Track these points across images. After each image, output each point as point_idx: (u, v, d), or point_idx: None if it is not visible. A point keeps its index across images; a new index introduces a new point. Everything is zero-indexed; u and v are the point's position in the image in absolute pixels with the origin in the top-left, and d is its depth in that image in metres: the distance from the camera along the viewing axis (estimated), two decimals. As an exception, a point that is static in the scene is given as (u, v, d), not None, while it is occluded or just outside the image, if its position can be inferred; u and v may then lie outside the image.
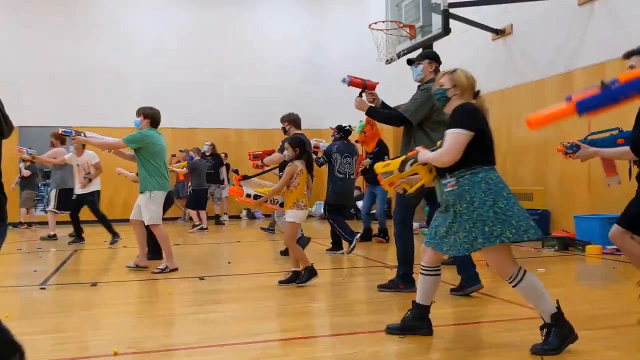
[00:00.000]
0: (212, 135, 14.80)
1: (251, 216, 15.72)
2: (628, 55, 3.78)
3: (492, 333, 3.73)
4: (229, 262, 7.34)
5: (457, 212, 3.32)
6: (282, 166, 6.88)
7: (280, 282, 5.49)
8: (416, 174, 3.57)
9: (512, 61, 9.95)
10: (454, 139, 3.29)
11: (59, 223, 10.78)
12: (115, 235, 9.58)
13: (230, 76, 15.83)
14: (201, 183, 11.99)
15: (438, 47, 10.07)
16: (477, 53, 10.53)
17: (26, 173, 13.11)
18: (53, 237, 10.36)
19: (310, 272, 5.48)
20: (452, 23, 8.72)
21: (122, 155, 7.02)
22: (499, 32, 10.04)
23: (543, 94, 9.12)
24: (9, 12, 14.52)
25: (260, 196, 5.81)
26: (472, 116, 3.35)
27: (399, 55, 9.48)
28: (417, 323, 3.61)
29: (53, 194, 10.31)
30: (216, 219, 13.84)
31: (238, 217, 15.66)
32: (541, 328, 3.26)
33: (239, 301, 4.95)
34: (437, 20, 8.83)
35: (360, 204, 14.48)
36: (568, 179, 8.82)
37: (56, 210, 10.37)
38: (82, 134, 6.33)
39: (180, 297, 5.26)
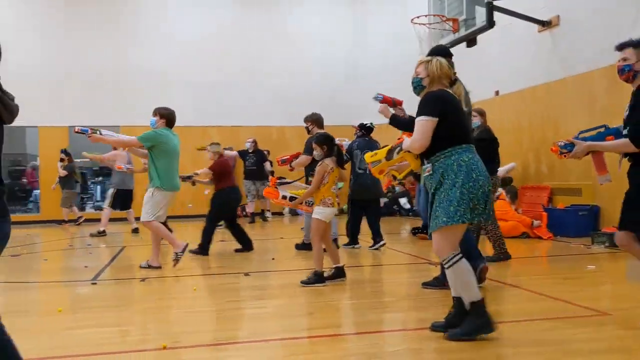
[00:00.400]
0: (255, 133, 14.93)
1: (294, 212, 15.81)
2: (621, 47, 3.78)
3: (538, 331, 3.66)
4: (273, 258, 7.40)
5: (435, 195, 3.48)
6: (311, 166, 6.93)
7: (303, 283, 5.39)
8: (405, 161, 3.74)
9: (559, 53, 9.70)
10: (420, 126, 3.46)
11: (110, 220, 11.10)
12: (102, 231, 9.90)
13: (271, 74, 15.92)
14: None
15: (482, 39, 9.94)
16: (522, 45, 10.30)
17: (63, 173, 13.52)
18: (102, 234, 10.69)
19: (318, 277, 5.37)
20: (496, 15, 8.57)
21: (136, 153, 7.18)
22: (545, 24, 9.80)
23: (591, 87, 8.86)
24: (55, 16, 14.92)
25: (295, 197, 5.83)
26: (435, 102, 3.49)
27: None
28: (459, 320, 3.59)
29: (110, 192, 10.85)
30: (261, 215, 14.00)
31: (281, 214, 15.78)
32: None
33: (284, 297, 4.99)
34: (480, 13, 8.69)
35: (403, 201, 14.46)
36: (618, 173, 8.53)
37: (111, 209, 10.83)
38: (97, 132, 6.46)
39: (227, 293, 5.34)
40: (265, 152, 14.18)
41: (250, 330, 3.94)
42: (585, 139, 4.17)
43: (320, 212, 5.40)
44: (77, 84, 14.70)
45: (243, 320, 4.25)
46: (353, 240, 8.15)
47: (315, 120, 7.73)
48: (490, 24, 8.47)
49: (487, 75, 11.00)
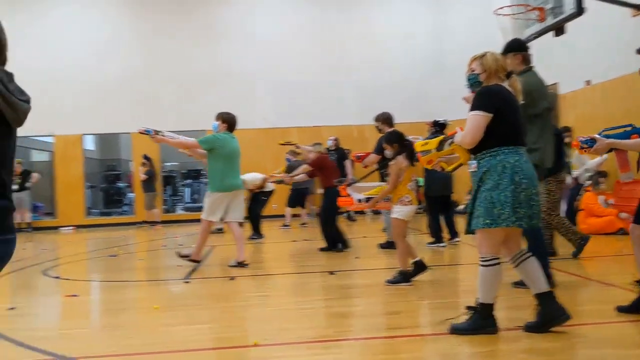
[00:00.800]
0: (335, 132, 14.98)
1: (376, 211, 15.74)
2: None
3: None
4: (357, 257, 7.42)
5: (477, 193, 3.45)
6: (383, 165, 6.88)
7: (389, 282, 5.35)
8: (455, 153, 3.74)
9: (656, 38, 9.10)
10: (473, 120, 3.40)
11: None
12: (258, 234, 10.03)
13: (352, 73, 15.91)
14: (299, 183, 12.32)
15: (571, 27, 9.48)
16: (614, 32, 9.75)
17: (143, 177, 14.34)
18: (220, 231, 11.20)
19: (404, 276, 5.28)
20: (586, 0, 8.14)
21: (196, 155, 7.43)
22: None
23: (694, 72, 8.25)
24: (144, 21, 15.61)
25: (371, 198, 5.78)
26: (491, 97, 3.43)
27: (527, 40, 9.03)
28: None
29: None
30: (347, 215, 14.06)
31: (362, 212, 15.77)
32: (468, 307, 3.57)
33: (368, 296, 5.00)
34: (569, 0, 8.29)
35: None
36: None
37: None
38: (160, 133, 6.77)
39: (314, 291, 5.41)
40: (346, 151, 14.22)
41: (337, 328, 3.97)
42: (609, 137, 4.11)
43: (399, 211, 5.35)
44: (166, 90, 15.29)
45: (330, 318, 4.29)
46: (438, 238, 8.01)
47: (384, 119, 7.71)
48: (580, 11, 8.05)
49: (576, 64, 10.51)
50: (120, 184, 18.79)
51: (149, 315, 4.62)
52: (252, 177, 9.92)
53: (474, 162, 3.51)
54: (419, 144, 4.05)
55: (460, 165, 3.82)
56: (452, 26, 15.84)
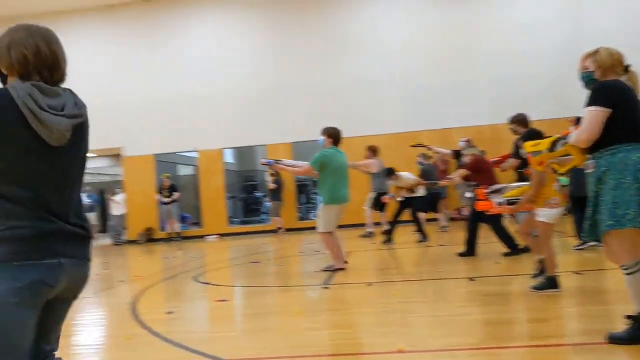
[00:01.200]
0: (466, 133, 14.58)
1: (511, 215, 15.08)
2: None
3: None
4: (497, 262, 7.15)
5: (597, 195, 3.24)
6: (521, 165, 6.54)
7: (534, 288, 5.07)
8: (569, 154, 3.55)
9: None
10: (590, 117, 3.24)
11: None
12: (424, 236, 9.99)
13: (481, 70, 15.39)
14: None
15: None
16: None
17: (272, 186, 15.03)
18: (371, 234, 11.65)
19: (551, 282, 4.93)
20: None
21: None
22: None
23: None
24: (276, 37, 16.25)
25: (514, 201, 5.45)
26: (608, 92, 3.23)
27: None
28: None
29: (371, 196, 11.77)
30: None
31: (500, 216, 15.17)
32: (627, 316, 3.29)
33: (513, 303, 4.80)
34: None
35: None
36: None
37: (371, 209, 11.82)
38: (280, 163, 7.49)
39: (455, 297, 5.30)
40: (481, 153, 13.78)
41: (482, 336, 3.85)
42: None
43: (545, 214, 5.07)
44: (298, 101, 15.77)
45: (474, 326, 4.17)
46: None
47: (519, 120, 7.33)
48: None
49: None
50: (258, 194, 19.73)
51: (292, 319, 4.78)
52: (407, 176, 10.33)
53: (592, 161, 3.32)
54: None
55: (574, 167, 3.60)
56: (589, 14, 14.82)
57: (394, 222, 10.33)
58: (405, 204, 10.41)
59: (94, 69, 15.73)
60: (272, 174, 14.93)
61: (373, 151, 11.59)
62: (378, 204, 11.64)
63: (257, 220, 18.47)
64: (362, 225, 12.37)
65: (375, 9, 15.97)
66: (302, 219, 16.79)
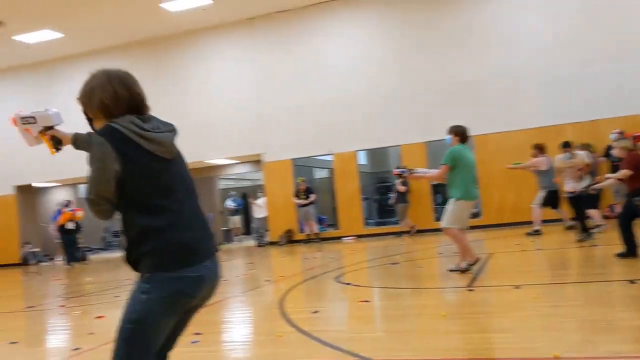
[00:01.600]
0: (618, 124, 13.45)
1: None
2: None
3: None
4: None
5: None
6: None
7: None
8: None
9: None
10: None
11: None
12: (587, 233, 9.37)
13: (633, 54, 14.14)
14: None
15: None
16: None
17: (402, 189, 14.99)
18: (537, 232, 11.39)
19: None
20: None
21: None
22: None
23: None
24: (401, 38, 16.11)
25: None
26: None
27: None
28: None
29: (542, 194, 11.52)
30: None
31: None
32: None
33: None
34: None
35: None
36: None
37: (540, 207, 11.51)
38: (414, 171, 7.66)
39: (613, 301, 4.93)
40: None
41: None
42: None
43: None
44: (432, 99, 15.50)
45: (637, 332, 3.84)
46: None
47: None
48: None
49: None
50: (391, 195, 19.74)
51: (438, 321, 4.71)
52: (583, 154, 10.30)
53: None
54: None
55: None
56: None
57: (581, 216, 9.66)
58: (577, 199, 9.88)
59: (237, 81, 16.78)
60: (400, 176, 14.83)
61: (540, 149, 11.45)
62: (550, 202, 11.34)
63: (393, 221, 18.45)
64: (528, 223, 12.04)
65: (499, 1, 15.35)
66: (438, 219, 16.47)
